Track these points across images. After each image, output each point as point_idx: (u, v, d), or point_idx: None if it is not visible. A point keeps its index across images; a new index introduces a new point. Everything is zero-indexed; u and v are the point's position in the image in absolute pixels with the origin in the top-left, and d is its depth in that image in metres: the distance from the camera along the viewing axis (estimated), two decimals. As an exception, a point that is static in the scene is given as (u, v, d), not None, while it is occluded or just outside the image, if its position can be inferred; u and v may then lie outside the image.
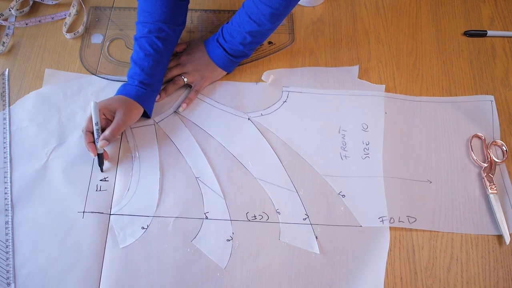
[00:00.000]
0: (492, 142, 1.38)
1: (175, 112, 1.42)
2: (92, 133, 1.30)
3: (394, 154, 1.37)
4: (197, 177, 1.32)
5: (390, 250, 1.24)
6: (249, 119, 1.41)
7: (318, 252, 1.23)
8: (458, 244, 1.26)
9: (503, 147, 1.37)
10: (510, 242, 1.24)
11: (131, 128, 1.38)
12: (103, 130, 1.30)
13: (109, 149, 1.34)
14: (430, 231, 1.27)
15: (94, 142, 1.29)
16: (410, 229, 1.27)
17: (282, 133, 1.39)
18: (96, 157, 1.30)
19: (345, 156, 1.36)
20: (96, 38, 1.56)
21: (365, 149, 1.37)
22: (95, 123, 1.28)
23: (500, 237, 1.26)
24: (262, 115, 1.41)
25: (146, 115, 1.40)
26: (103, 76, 1.48)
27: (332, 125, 1.41)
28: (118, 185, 1.31)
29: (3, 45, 1.51)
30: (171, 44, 1.42)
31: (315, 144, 1.38)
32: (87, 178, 1.31)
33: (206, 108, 1.43)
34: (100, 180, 1.30)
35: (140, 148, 1.35)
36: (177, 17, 1.42)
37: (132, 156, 1.34)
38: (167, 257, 1.22)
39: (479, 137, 1.40)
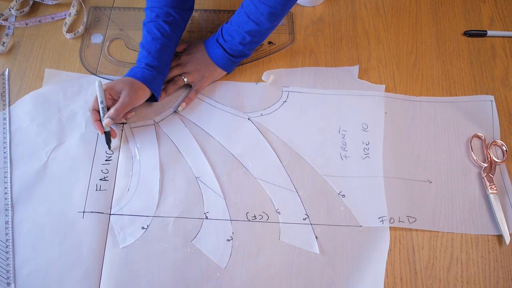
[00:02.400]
0: (492, 142, 1.38)
1: (175, 112, 1.42)
2: (98, 111, 1.31)
3: (394, 154, 1.37)
4: (197, 177, 1.32)
5: (390, 250, 1.24)
6: (249, 119, 1.41)
7: (318, 252, 1.23)
8: (458, 244, 1.26)
9: (503, 147, 1.37)
10: (510, 242, 1.24)
11: (131, 128, 1.38)
12: (109, 110, 1.31)
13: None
14: (430, 231, 1.27)
15: (100, 121, 1.31)
16: (410, 229, 1.27)
17: (282, 133, 1.39)
18: (103, 135, 1.32)
19: (345, 156, 1.36)
20: (96, 38, 1.56)
21: (365, 149, 1.37)
22: (100, 102, 1.29)
23: (500, 237, 1.26)
24: (262, 115, 1.41)
25: (154, 99, 1.40)
26: (103, 76, 1.48)
27: (332, 125, 1.41)
28: (118, 185, 1.31)
29: (3, 45, 1.52)
30: (178, 29, 1.43)
31: (315, 144, 1.38)
32: (87, 178, 1.31)
33: (206, 108, 1.43)
34: (100, 179, 1.30)
35: (140, 148, 1.35)
36: (185, 2, 1.43)
37: (132, 156, 1.34)
38: (167, 257, 1.22)
39: (479, 137, 1.40)
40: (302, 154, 1.36)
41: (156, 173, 1.32)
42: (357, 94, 1.46)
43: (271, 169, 1.34)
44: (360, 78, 1.49)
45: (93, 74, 1.48)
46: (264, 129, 1.39)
